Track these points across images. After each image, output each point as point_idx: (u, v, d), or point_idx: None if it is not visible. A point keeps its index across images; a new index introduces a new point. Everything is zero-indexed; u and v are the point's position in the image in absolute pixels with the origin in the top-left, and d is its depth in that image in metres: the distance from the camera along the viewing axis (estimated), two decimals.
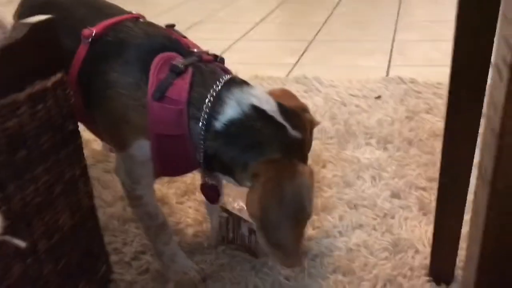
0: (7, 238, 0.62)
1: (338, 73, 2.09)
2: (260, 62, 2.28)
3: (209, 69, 0.90)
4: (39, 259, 0.81)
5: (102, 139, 1.06)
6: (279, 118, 0.85)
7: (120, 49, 0.91)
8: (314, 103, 1.78)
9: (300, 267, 1.02)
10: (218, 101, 0.85)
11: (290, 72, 2.16)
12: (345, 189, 1.30)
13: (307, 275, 1.02)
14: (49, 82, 0.80)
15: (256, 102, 0.85)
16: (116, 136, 0.93)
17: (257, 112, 0.85)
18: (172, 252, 1.02)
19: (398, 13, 2.99)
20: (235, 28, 2.91)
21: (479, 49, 0.63)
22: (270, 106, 0.86)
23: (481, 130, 0.50)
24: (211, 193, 0.99)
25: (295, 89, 1.91)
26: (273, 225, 0.83)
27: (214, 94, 0.86)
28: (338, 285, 0.99)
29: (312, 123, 0.98)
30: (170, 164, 0.92)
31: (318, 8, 3.27)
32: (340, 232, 1.14)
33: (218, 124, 0.84)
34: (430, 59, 2.21)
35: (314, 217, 1.19)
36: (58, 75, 0.82)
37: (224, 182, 1.00)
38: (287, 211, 0.83)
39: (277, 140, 0.84)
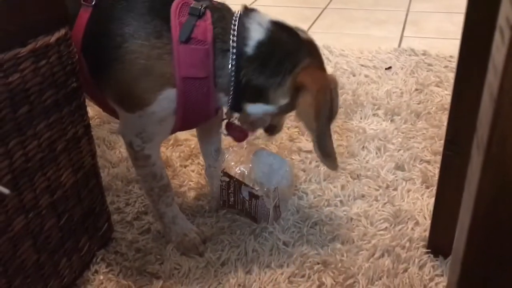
0: None
1: (350, 42, 2.06)
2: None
3: (224, 6, 0.94)
4: (41, 214, 0.82)
5: (105, 108, 1.03)
6: (290, 26, 0.92)
7: (130, 5, 0.89)
8: None
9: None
10: (242, 29, 0.89)
11: None
12: (349, 159, 1.29)
13: (306, 242, 1.03)
14: (52, 38, 0.79)
15: (272, 18, 0.91)
16: (136, 94, 0.88)
17: (277, 25, 0.91)
18: (173, 214, 1.03)
19: None
20: None
21: (490, 20, 0.61)
22: (278, 20, 0.92)
23: None
24: (238, 133, 1.02)
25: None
26: (325, 134, 0.90)
27: (237, 24, 0.89)
28: (336, 253, 0.99)
29: None
30: (192, 112, 0.92)
31: None
32: (341, 202, 1.15)
33: (249, 49, 0.89)
34: (444, 31, 2.16)
35: (316, 186, 1.20)
36: (62, 31, 0.81)
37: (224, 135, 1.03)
38: (332, 120, 0.92)
39: (302, 46, 0.91)
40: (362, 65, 1.81)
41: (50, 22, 0.79)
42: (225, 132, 1.02)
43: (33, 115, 0.77)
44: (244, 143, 1.10)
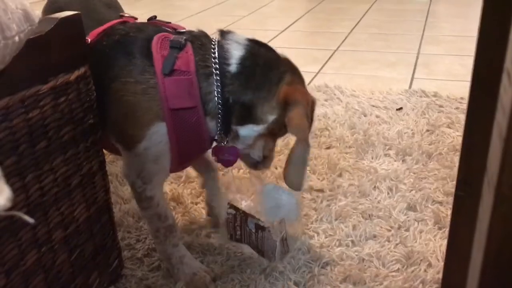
0: (16, 213, 0.63)
1: (361, 83, 2.09)
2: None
3: (203, 34, 0.97)
4: (54, 248, 0.82)
5: (111, 149, 1.04)
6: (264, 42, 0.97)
7: (116, 48, 0.93)
8: (334, 112, 1.78)
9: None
10: (221, 50, 0.92)
11: (311, 80, 2.17)
12: (360, 199, 1.29)
13: (317, 282, 1.01)
14: (72, 76, 0.82)
15: (247, 37, 0.96)
16: (127, 131, 0.91)
17: (254, 42, 0.95)
18: (181, 254, 1.02)
19: (424, 27, 2.97)
20: (259, 35, 2.91)
21: (499, 63, 0.62)
22: (253, 37, 0.96)
23: None
24: (227, 157, 0.99)
25: (316, 97, 1.91)
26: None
27: (216, 47, 0.92)
28: None
29: None
30: (187, 145, 0.92)
31: (344, 19, 3.27)
32: (353, 242, 1.14)
33: (232, 67, 0.91)
34: (454, 73, 2.18)
35: (327, 225, 1.19)
36: (82, 70, 0.84)
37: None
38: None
39: (281, 61, 0.96)
40: (373, 106, 1.83)
41: (70, 60, 0.82)
42: (214, 158, 1.01)
43: (51, 150, 0.79)
44: (257, 177, 1.11)
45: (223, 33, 0.95)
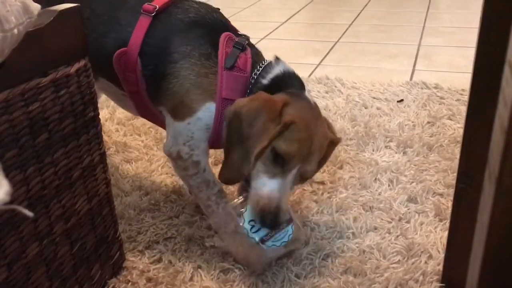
0: (16, 207, 0.63)
1: (361, 75, 2.08)
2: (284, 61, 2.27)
3: (258, 49, 1.13)
4: (55, 241, 0.83)
5: (146, 114, 1.16)
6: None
7: (191, 26, 1.06)
8: (335, 104, 1.78)
9: None
10: (268, 66, 1.06)
11: (312, 72, 2.16)
12: (361, 191, 1.29)
13: (318, 274, 1.02)
14: (72, 69, 0.81)
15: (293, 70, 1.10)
16: (184, 104, 1.02)
17: (295, 75, 1.09)
18: (236, 223, 1.05)
19: (425, 18, 2.96)
20: (260, 26, 2.92)
21: (500, 55, 0.62)
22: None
23: None
24: None
25: (317, 90, 1.91)
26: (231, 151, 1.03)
27: (265, 61, 1.08)
28: (349, 285, 0.98)
29: None
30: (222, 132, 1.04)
31: (345, 10, 3.26)
32: (353, 234, 1.14)
33: (265, 81, 1.05)
34: (455, 65, 2.18)
35: (328, 217, 1.19)
36: (82, 62, 0.84)
37: None
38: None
39: (301, 87, 1.08)
40: (374, 98, 1.82)
41: (70, 53, 0.82)
42: None
43: (52, 143, 0.79)
44: None
45: (277, 58, 1.09)
